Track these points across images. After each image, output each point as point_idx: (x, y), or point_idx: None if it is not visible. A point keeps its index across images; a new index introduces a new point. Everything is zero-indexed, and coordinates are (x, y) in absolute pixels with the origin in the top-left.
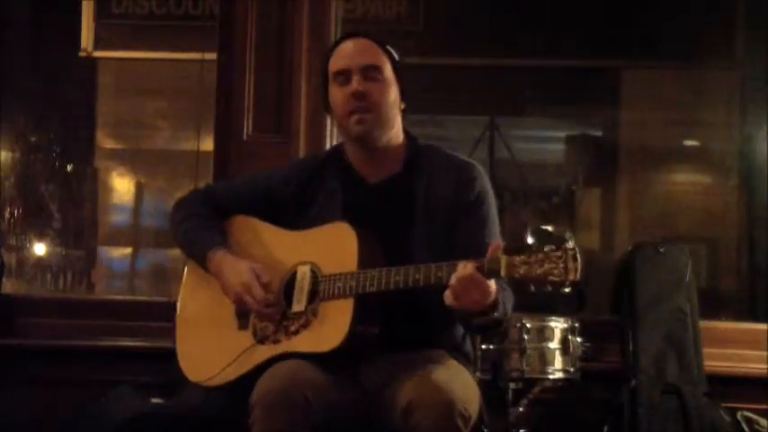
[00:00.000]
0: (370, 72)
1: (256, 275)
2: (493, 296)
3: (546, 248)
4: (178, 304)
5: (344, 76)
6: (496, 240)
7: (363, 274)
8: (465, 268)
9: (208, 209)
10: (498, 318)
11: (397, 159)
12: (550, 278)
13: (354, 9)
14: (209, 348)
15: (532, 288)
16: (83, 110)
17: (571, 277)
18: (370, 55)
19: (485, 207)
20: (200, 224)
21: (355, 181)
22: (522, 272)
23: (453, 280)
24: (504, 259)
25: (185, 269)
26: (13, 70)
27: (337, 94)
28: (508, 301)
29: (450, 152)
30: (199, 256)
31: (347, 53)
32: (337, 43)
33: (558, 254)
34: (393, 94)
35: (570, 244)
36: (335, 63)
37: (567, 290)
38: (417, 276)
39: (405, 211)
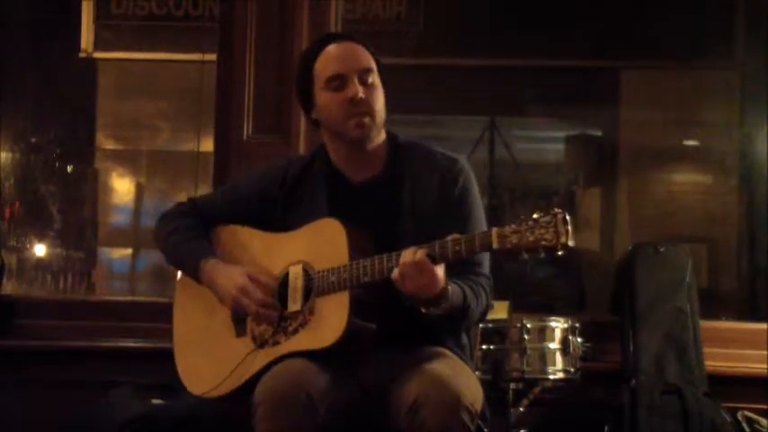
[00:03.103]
0: (365, 76)
1: (251, 278)
2: (441, 285)
3: (535, 215)
4: (174, 322)
5: (340, 80)
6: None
7: (356, 265)
8: (414, 254)
9: (194, 220)
10: (447, 308)
11: (380, 159)
12: (543, 243)
13: (354, 9)
14: (211, 360)
15: (525, 256)
16: (83, 110)
17: (563, 240)
18: (363, 58)
19: (468, 203)
20: (188, 236)
21: (340, 182)
22: (514, 241)
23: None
24: (495, 231)
25: (176, 288)
26: (13, 70)
27: (332, 99)
28: (474, 301)
29: (434, 148)
30: (189, 269)
31: (339, 57)
32: (320, 46)
33: (548, 219)
34: (382, 95)
35: (558, 209)
36: (327, 68)
37: (559, 253)
38: None
39: (391, 209)
